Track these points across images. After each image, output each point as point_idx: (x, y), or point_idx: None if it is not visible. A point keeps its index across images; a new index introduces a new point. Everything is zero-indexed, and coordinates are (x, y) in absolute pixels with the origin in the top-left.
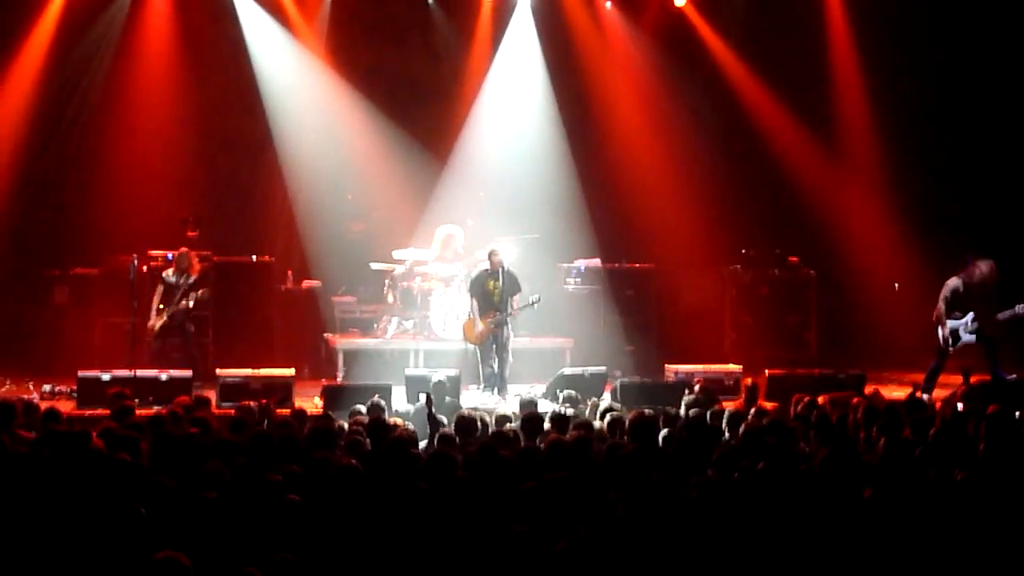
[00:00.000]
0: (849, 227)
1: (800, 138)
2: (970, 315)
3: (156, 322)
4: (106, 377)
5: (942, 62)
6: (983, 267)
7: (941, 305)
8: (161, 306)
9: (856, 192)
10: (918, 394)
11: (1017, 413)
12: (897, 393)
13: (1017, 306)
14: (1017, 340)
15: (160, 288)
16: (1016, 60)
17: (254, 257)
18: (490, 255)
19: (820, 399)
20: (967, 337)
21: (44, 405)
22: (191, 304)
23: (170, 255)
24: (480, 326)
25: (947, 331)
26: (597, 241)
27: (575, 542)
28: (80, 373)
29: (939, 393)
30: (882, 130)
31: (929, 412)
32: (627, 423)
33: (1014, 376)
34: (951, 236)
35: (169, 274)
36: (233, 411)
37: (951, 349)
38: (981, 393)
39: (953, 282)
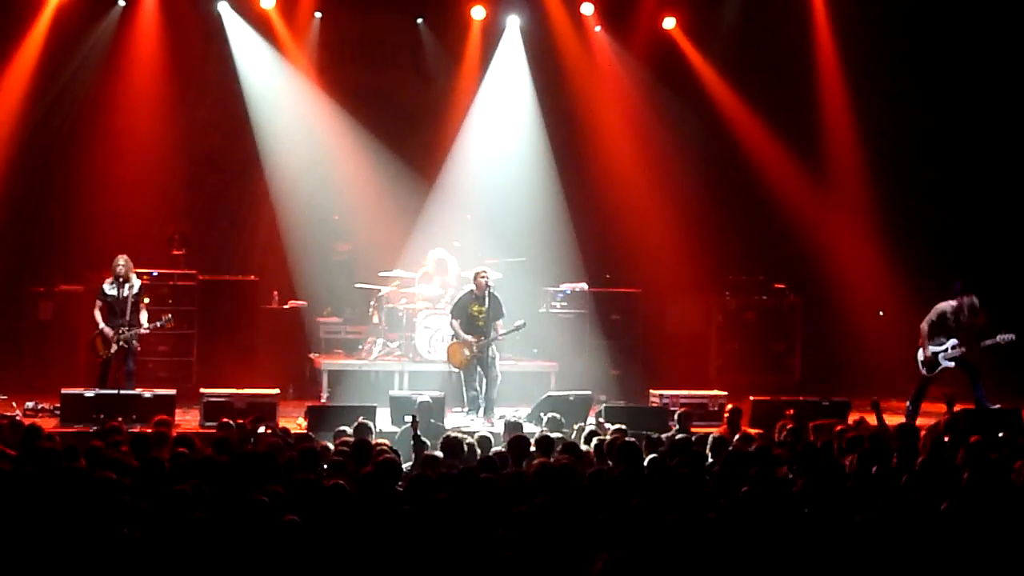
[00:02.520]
0: (835, 254)
1: (787, 163)
2: (952, 341)
3: (114, 345)
4: (89, 394)
5: (930, 88)
6: (975, 301)
7: (925, 326)
8: (105, 328)
9: (842, 218)
10: (880, 422)
11: (1000, 434)
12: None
13: (1000, 336)
14: (1001, 369)
15: (100, 304)
16: (1003, 85)
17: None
18: (476, 277)
19: (789, 423)
20: (946, 363)
21: (27, 422)
22: (158, 324)
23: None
24: (466, 350)
25: (927, 354)
26: (583, 265)
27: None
28: (63, 390)
29: (923, 421)
30: (869, 156)
31: (914, 440)
32: (614, 447)
33: (998, 405)
34: (937, 264)
35: (108, 286)
36: (215, 430)
37: (929, 374)
38: (965, 422)
39: (942, 306)
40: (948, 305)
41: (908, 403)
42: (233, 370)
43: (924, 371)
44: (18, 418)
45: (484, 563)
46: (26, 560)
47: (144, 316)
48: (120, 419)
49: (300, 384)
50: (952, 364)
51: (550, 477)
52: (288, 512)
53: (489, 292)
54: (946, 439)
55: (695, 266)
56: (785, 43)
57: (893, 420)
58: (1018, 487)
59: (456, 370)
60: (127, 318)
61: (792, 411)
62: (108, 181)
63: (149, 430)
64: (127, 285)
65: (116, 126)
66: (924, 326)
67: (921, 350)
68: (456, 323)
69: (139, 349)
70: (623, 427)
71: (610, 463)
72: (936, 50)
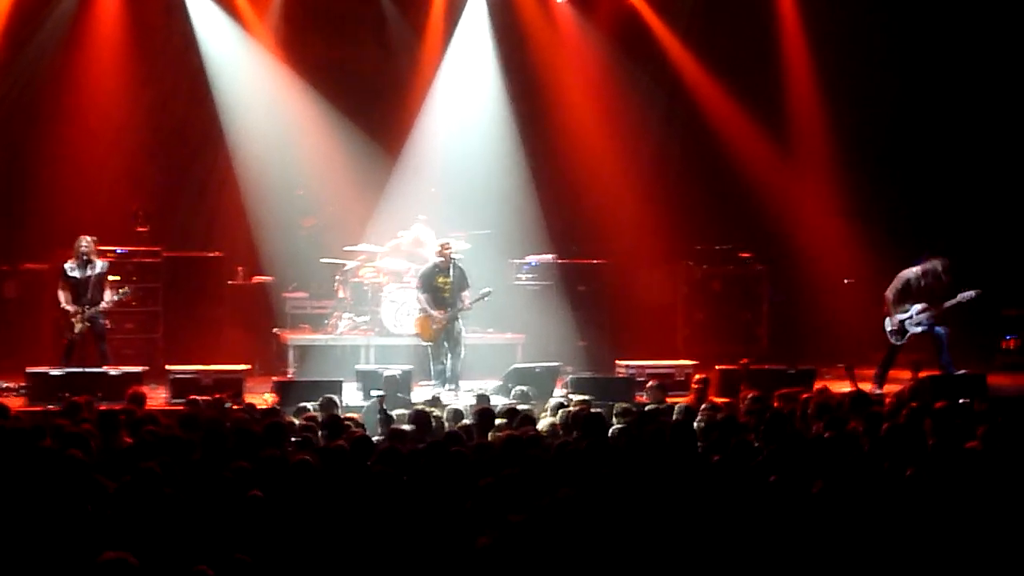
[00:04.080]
0: (801, 222)
1: (752, 133)
2: (918, 306)
3: (78, 324)
4: (55, 373)
5: (894, 55)
6: (938, 265)
7: (889, 295)
8: (67, 307)
9: (807, 187)
10: (855, 386)
11: (961, 400)
12: (847, 388)
13: (960, 294)
14: (966, 335)
15: (62, 284)
16: (970, 54)
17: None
18: (441, 250)
19: (748, 393)
20: (914, 329)
21: None
22: (115, 297)
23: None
24: (433, 323)
25: (895, 323)
26: (549, 236)
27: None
28: (28, 369)
29: (890, 387)
30: (834, 124)
31: (878, 407)
32: (579, 418)
33: (963, 371)
34: (902, 231)
35: (70, 267)
36: (183, 406)
37: (898, 342)
38: (931, 387)
39: (905, 274)
40: (911, 272)
41: (876, 370)
42: (199, 346)
43: (893, 340)
44: None
45: (451, 535)
46: None
47: (107, 294)
48: (88, 397)
49: (266, 360)
50: (920, 329)
51: (515, 449)
52: (254, 488)
53: (453, 263)
54: (912, 405)
55: (661, 236)
56: (749, 13)
57: (861, 388)
58: (979, 452)
59: (426, 343)
60: (89, 297)
61: (746, 359)
62: (71, 158)
63: (118, 407)
64: (89, 266)
65: (78, 102)
66: (889, 294)
67: (888, 319)
68: (424, 297)
69: (108, 325)
70: (587, 398)
71: (575, 434)
72: (902, 17)
